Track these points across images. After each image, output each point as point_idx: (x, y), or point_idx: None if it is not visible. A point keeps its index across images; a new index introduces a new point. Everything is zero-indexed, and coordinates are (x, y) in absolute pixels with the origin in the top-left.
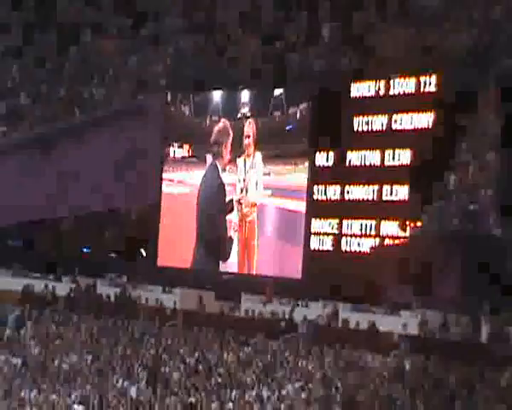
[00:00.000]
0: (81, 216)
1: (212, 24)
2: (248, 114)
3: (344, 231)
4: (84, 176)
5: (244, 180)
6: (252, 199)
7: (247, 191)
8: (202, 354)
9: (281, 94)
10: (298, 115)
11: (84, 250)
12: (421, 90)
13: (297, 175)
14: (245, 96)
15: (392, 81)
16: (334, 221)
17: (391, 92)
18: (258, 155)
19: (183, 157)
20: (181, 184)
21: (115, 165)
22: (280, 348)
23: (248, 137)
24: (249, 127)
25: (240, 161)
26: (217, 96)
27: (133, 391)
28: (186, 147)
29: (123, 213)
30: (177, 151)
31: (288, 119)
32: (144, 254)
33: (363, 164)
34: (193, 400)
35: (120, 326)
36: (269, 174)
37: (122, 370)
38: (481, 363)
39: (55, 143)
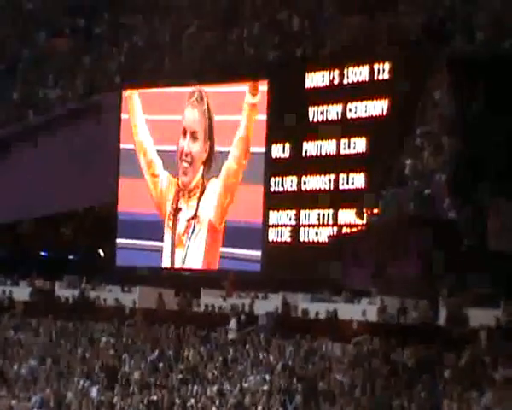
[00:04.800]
0: (38, 218)
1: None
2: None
3: (302, 221)
4: (41, 178)
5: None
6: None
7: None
8: (162, 352)
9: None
10: None
11: (42, 254)
12: (375, 77)
13: None
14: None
15: (345, 70)
16: (292, 212)
17: (345, 81)
18: None
19: None
20: None
21: (71, 165)
22: (240, 341)
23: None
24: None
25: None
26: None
27: (94, 392)
28: None
29: (80, 214)
30: None
31: None
32: (102, 254)
33: (319, 154)
34: (155, 398)
35: (79, 328)
36: None
37: (82, 371)
38: (440, 346)
39: (10, 147)
